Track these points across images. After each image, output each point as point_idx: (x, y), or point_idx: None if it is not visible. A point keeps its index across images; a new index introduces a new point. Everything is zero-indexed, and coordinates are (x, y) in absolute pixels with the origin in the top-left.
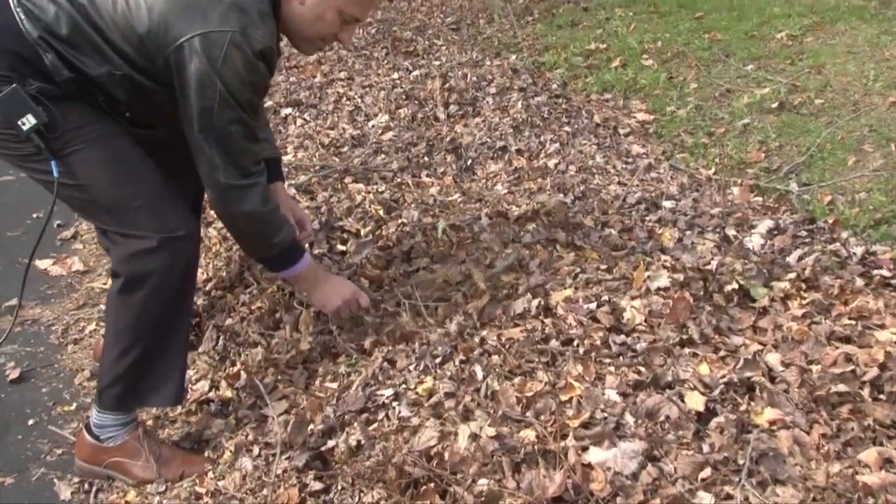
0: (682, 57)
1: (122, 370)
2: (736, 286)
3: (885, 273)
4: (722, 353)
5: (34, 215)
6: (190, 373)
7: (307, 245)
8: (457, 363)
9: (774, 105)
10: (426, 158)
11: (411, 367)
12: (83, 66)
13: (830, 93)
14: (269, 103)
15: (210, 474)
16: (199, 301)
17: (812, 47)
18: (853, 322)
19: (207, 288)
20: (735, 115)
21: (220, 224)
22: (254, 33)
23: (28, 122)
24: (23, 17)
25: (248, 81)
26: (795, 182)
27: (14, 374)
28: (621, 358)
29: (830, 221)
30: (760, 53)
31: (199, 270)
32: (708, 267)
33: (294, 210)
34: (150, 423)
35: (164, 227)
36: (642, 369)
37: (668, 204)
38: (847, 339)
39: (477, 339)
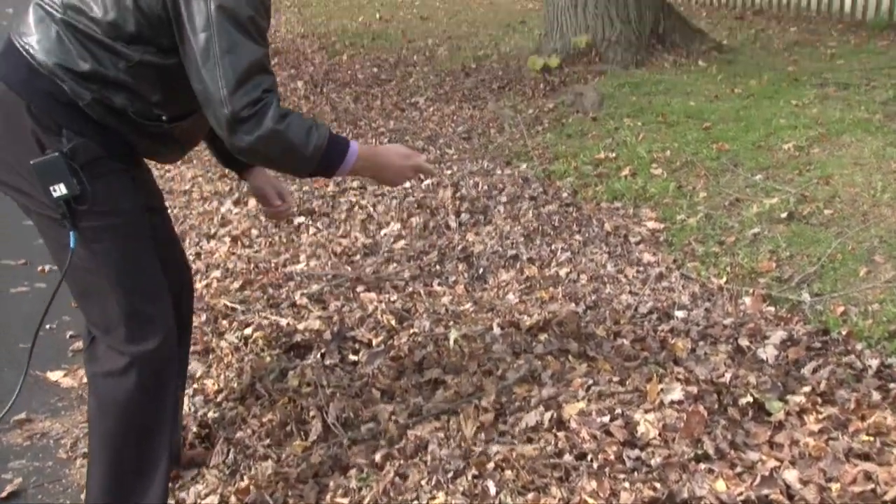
0: (691, 166)
1: (103, 488)
2: (751, 399)
3: None
4: (738, 469)
5: (47, 326)
6: (199, 487)
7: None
8: (469, 478)
9: (784, 215)
10: (438, 267)
11: (423, 482)
12: (102, 69)
13: (839, 203)
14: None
15: None
16: (210, 413)
17: (819, 158)
18: (871, 438)
19: (218, 399)
20: (745, 224)
21: (231, 336)
22: None
23: (59, 189)
24: (31, 52)
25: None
26: (807, 292)
27: (12, 489)
28: (636, 473)
29: (844, 333)
30: (768, 164)
31: (211, 381)
32: (722, 379)
33: (273, 183)
34: None
35: (141, 339)
36: (658, 485)
37: (680, 314)
38: (866, 456)
39: (490, 453)
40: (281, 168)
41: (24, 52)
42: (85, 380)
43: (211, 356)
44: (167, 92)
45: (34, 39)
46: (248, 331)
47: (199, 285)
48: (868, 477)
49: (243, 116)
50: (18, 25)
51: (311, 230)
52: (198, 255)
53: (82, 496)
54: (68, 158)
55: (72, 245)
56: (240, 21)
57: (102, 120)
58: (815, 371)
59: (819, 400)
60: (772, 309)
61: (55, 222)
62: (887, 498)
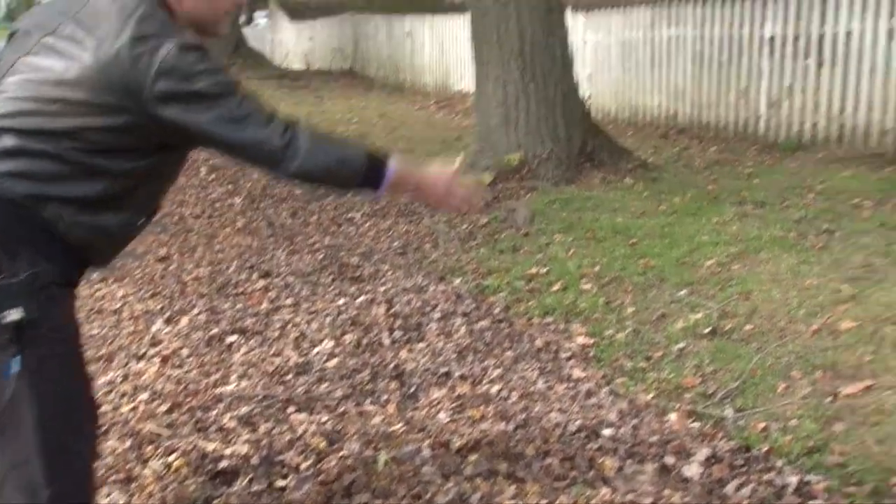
0: (619, 282)
1: None
2: None
3: None
4: None
5: None
6: None
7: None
8: None
9: (707, 330)
10: (370, 385)
11: None
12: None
13: (758, 319)
14: (214, 331)
15: None
16: None
17: (739, 274)
18: None
19: None
20: (671, 339)
21: (155, 463)
22: (182, 39)
23: (11, 315)
24: (6, 184)
25: (215, 72)
26: (731, 407)
27: None
28: None
29: (765, 450)
30: (692, 279)
31: None
32: (647, 501)
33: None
34: None
35: (54, 479)
36: None
37: (607, 432)
38: None
39: None
40: (336, 178)
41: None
42: None
43: (133, 485)
44: (147, 191)
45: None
46: (172, 457)
47: (125, 409)
48: None
49: (279, 146)
50: None
51: (244, 349)
52: (125, 377)
53: None
54: (29, 282)
55: (13, 370)
56: (228, 86)
57: (76, 240)
58: (737, 489)
59: None
60: (696, 425)
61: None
62: None
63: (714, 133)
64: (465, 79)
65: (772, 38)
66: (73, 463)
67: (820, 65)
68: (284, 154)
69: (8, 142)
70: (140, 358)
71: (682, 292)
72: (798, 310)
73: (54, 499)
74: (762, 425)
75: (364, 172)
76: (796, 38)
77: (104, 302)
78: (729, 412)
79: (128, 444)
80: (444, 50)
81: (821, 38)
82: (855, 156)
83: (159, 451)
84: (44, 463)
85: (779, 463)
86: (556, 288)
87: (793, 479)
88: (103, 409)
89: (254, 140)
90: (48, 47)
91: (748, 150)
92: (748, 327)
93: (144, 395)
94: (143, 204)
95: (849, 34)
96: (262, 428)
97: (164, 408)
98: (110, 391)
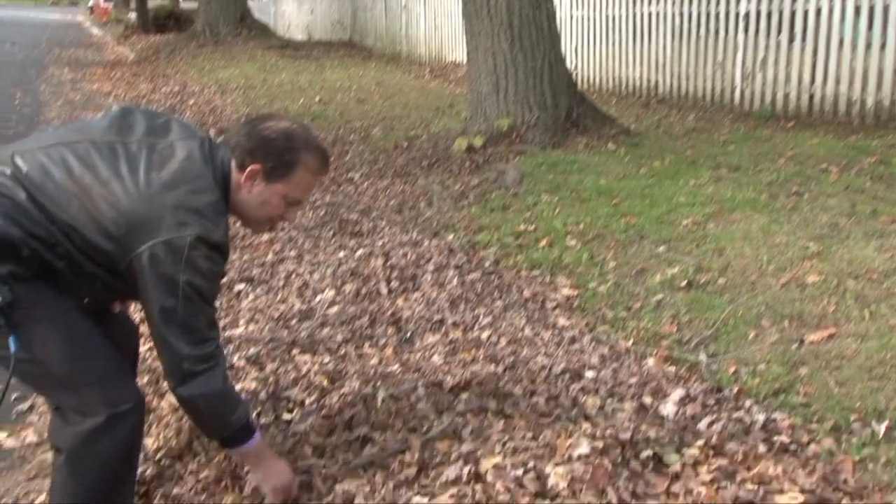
0: (602, 238)
1: None
2: (651, 452)
3: (785, 439)
4: None
5: None
6: None
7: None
8: None
9: (684, 283)
10: (369, 331)
11: None
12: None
13: (731, 273)
14: (223, 280)
15: None
16: (148, 470)
17: (714, 232)
18: (755, 487)
19: (157, 457)
20: (650, 291)
21: (171, 396)
22: (211, 233)
23: None
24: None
25: (208, 276)
26: (704, 353)
27: None
28: None
29: (736, 390)
30: (670, 236)
31: (151, 440)
32: (625, 435)
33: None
34: None
35: (113, 402)
36: None
37: (590, 374)
38: None
39: None
40: (199, 422)
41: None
42: (28, 440)
43: (151, 416)
44: (101, 291)
45: (11, 193)
46: None
47: (143, 348)
48: None
49: (196, 371)
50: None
51: (251, 296)
52: (142, 319)
53: None
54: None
55: (13, 349)
56: (203, 293)
57: (33, 270)
58: (709, 425)
59: (711, 452)
60: (672, 368)
61: None
62: None
63: (692, 102)
64: (457, 50)
65: (746, 14)
66: (124, 390)
67: (791, 39)
68: (180, 378)
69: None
70: None
71: (661, 248)
72: (768, 265)
73: (107, 418)
74: (733, 368)
75: (238, 428)
76: (769, 14)
77: None
78: (703, 357)
79: (146, 378)
80: (438, 24)
81: (792, 14)
82: (823, 124)
83: None
84: (96, 394)
85: (748, 402)
86: (543, 243)
87: (760, 417)
88: None
89: (176, 349)
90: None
91: (724, 119)
92: (722, 280)
93: None
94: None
95: (818, 11)
96: (269, 367)
97: None
98: None
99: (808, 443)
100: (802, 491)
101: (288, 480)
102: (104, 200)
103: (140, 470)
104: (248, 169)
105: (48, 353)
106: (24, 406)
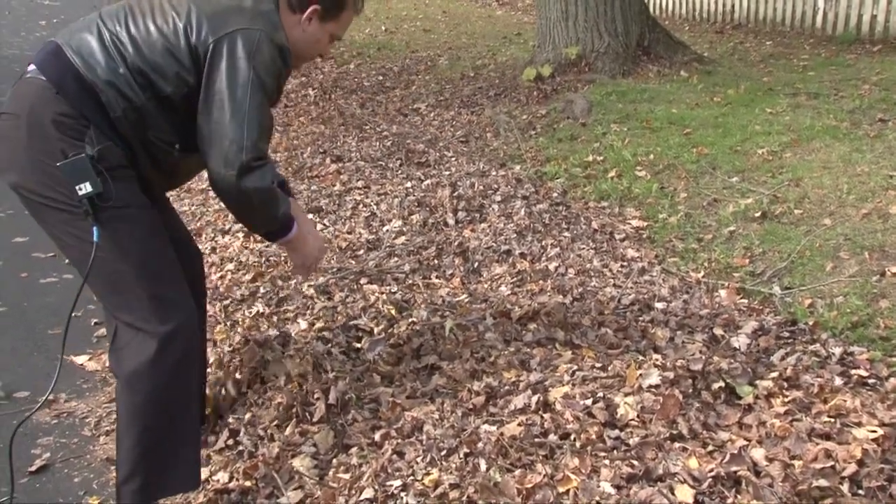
0: (673, 169)
1: (136, 460)
2: (722, 384)
3: (862, 373)
4: (710, 448)
5: (74, 314)
6: (209, 467)
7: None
8: (461, 455)
9: (758, 214)
10: (436, 261)
11: (419, 459)
12: (135, 96)
13: (808, 204)
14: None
15: None
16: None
17: (791, 162)
18: (832, 420)
19: (228, 385)
20: (722, 222)
21: (242, 326)
22: (277, 34)
23: (85, 188)
24: (77, 63)
25: (273, 71)
26: (778, 286)
27: (41, 463)
28: (615, 452)
29: (811, 323)
30: (744, 167)
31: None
32: (696, 366)
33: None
34: None
35: (168, 318)
36: (635, 463)
37: (660, 305)
38: (827, 436)
39: (480, 433)
40: (250, 217)
41: (73, 61)
42: (108, 363)
43: (223, 344)
44: (185, 125)
45: (86, 53)
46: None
47: (213, 277)
48: (829, 455)
49: (253, 166)
50: (70, 37)
51: (319, 226)
52: (213, 249)
53: (112, 468)
54: (94, 161)
55: (95, 238)
56: (267, 89)
57: (124, 132)
58: (783, 358)
59: (785, 385)
60: (745, 301)
61: (75, 218)
62: (845, 474)
63: (770, 27)
64: None
65: None
66: (177, 307)
67: None
68: (239, 168)
69: (90, 35)
70: (225, 233)
71: (734, 179)
72: (848, 195)
73: (165, 337)
74: (809, 302)
75: (283, 221)
76: None
77: (192, 182)
78: (777, 290)
79: (217, 307)
80: None
81: None
82: None
83: (246, 314)
84: (151, 310)
85: (824, 336)
86: (611, 174)
87: (837, 350)
88: None
89: (240, 140)
90: None
91: (804, 44)
92: (798, 212)
93: (230, 266)
94: (177, 132)
95: None
96: (338, 296)
97: (248, 277)
98: None
99: (888, 377)
100: (882, 424)
101: (323, 254)
102: (174, 10)
103: (210, 393)
104: (310, 9)
105: (125, 252)
106: (104, 331)
